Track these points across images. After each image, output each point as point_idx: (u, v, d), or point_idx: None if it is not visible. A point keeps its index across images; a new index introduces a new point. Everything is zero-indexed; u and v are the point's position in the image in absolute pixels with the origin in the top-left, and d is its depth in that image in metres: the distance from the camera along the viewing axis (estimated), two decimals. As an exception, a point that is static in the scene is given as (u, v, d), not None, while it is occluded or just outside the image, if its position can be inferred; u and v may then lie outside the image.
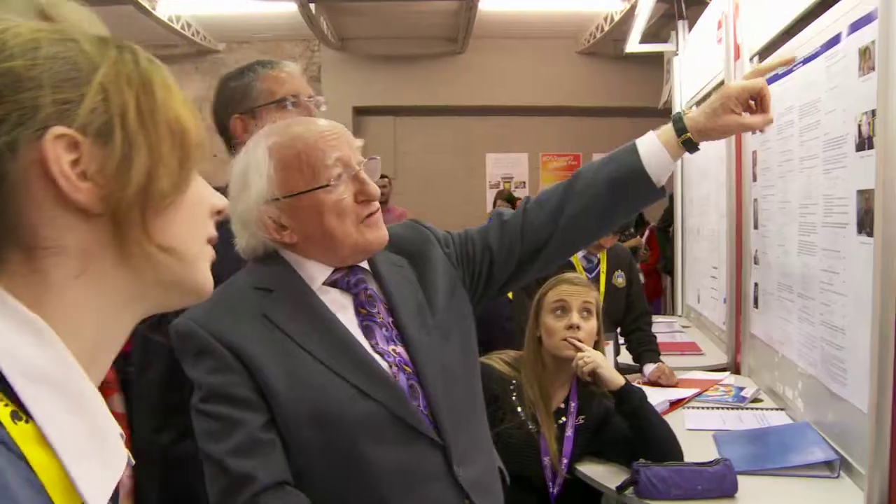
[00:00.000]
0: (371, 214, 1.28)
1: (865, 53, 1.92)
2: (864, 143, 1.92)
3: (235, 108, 1.80)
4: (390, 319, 1.33)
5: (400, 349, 1.31)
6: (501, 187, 8.64)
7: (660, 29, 6.03)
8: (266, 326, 1.23)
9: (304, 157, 1.24)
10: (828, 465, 2.04)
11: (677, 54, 4.91)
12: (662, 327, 4.14)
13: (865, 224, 1.92)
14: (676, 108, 4.82)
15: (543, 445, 2.17)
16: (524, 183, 8.96)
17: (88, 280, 0.56)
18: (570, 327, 2.19)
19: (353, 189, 1.27)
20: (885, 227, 1.76)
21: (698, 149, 1.42)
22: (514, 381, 2.22)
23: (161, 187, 0.58)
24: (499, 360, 2.27)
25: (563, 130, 8.76)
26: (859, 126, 1.95)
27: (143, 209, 0.57)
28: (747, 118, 1.40)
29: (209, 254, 0.65)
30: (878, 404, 1.78)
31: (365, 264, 1.36)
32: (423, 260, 1.43)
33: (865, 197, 1.92)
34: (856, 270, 1.99)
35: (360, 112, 8.65)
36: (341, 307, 1.29)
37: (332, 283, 1.30)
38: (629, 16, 5.78)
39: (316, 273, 1.29)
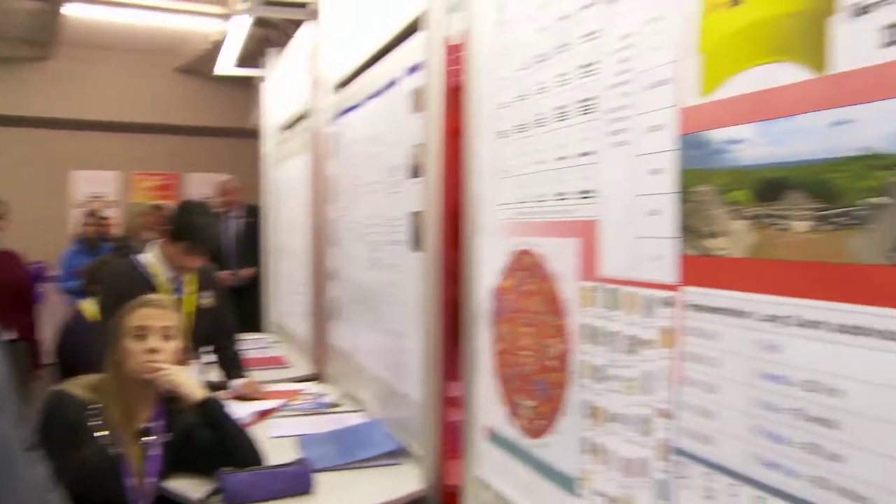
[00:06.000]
0: None
1: (417, 95, 2.24)
2: (415, 172, 2.24)
3: None
4: None
5: None
6: (90, 207, 8.04)
7: (258, 53, 6.16)
8: None
9: None
10: (394, 453, 2.31)
11: (264, 80, 5.11)
12: (253, 344, 4.25)
13: (417, 241, 2.23)
14: (264, 131, 5.04)
15: (128, 467, 2.12)
16: (116, 202, 8.46)
17: None
18: (151, 351, 2.18)
19: None
20: (429, 243, 2.07)
21: None
22: (92, 406, 2.14)
23: None
24: (76, 386, 2.17)
25: (158, 149, 8.44)
26: (412, 157, 2.27)
27: None
28: None
29: None
30: (428, 393, 2.09)
31: None
32: None
33: (416, 218, 2.23)
34: (410, 282, 2.30)
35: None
36: None
37: None
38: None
39: None
